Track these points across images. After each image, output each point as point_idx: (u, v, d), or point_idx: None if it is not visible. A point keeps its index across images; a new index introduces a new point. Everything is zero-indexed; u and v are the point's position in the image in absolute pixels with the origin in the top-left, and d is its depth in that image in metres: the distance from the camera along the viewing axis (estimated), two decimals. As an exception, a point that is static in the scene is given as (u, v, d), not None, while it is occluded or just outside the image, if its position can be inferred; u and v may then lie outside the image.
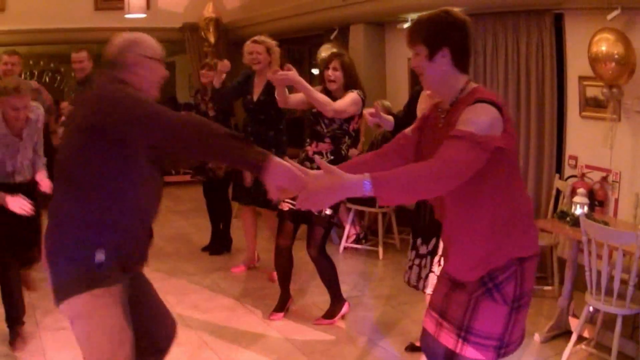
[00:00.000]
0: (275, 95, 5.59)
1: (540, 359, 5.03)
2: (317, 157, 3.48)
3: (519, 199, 2.94)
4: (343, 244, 7.96)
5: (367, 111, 4.72)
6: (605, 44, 5.49)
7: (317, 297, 6.19)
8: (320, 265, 5.67)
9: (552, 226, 5.47)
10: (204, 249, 7.93)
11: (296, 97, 5.58)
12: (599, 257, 4.58)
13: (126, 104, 2.90)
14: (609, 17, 5.57)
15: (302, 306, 6.08)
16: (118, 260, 3.02)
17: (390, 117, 4.95)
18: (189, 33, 12.71)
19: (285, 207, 5.62)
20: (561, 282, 5.88)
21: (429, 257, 4.65)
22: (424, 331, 3.26)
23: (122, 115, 2.87)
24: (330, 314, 5.74)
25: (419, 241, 4.75)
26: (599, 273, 4.60)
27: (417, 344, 4.69)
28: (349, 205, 7.86)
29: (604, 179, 6.03)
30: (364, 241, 8.16)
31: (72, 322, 3.01)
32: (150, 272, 7.00)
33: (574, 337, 4.85)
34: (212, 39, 12.38)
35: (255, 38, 6.47)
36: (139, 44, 3.20)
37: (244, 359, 5.03)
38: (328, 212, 5.51)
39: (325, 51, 9.19)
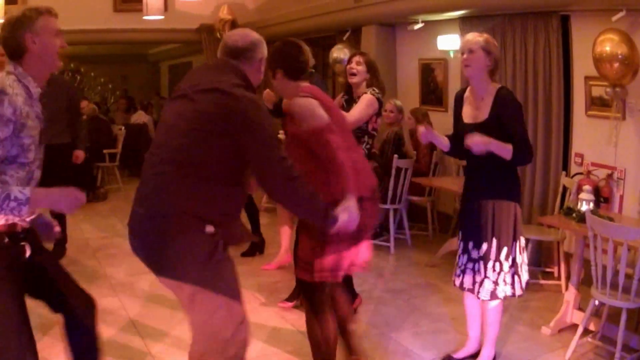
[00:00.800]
0: None
1: (547, 351, 5.04)
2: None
3: None
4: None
5: (420, 129, 4.56)
6: (609, 45, 5.51)
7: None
8: None
9: (558, 222, 5.48)
10: None
11: None
12: (604, 252, 4.58)
13: (263, 135, 3.21)
14: (614, 18, 5.60)
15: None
16: (223, 237, 3.32)
17: (445, 138, 4.67)
18: (205, 34, 12.80)
19: None
20: (567, 277, 5.91)
21: (481, 262, 4.42)
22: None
23: (254, 145, 3.21)
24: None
25: (470, 245, 4.50)
26: (604, 267, 4.60)
27: (454, 355, 4.79)
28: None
29: (609, 176, 6.05)
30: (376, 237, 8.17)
31: (193, 299, 3.26)
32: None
33: (580, 330, 4.87)
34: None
35: None
36: (264, 45, 3.53)
37: (258, 350, 5.05)
38: None
39: (336, 51, 9.24)
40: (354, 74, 5.52)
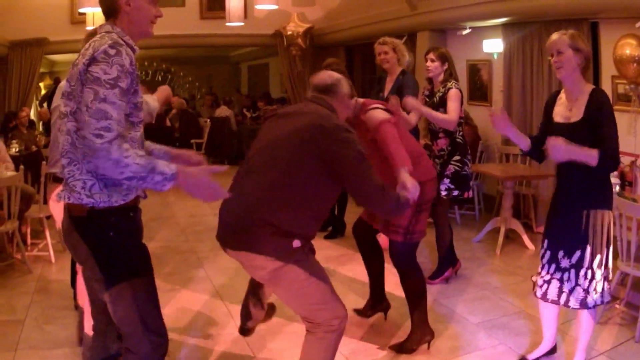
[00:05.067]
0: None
1: (578, 315, 5.11)
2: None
3: None
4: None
5: (495, 112, 3.94)
6: (629, 48, 5.57)
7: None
8: (439, 230, 5.85)
9: (589, 203, 5.50)
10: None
11: (413, 116, 5.56)
12: (629, 229, 4.62)
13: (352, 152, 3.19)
14: (637, 24, 5.62)
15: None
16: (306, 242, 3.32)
17: (526, 139, 4.04)
18: (280, 39, 12.90)
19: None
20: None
21: (573, 271, 3.78)
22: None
23: (345, 165, 3.20)
24: (435, 274, 5.89)
25: (560, 253, 3.84)
26: (628, 243, 4.65)
27: (529, 357, 4.24)
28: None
29: (633, 162, 6.06)
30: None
31: (276, 275, 3.24)
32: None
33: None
34: (302, 44, 12.50)
35: (380, 40, 6.20)
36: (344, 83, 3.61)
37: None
38: (455, 193, 5.65)
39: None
40: (430, 70, 5.59)
